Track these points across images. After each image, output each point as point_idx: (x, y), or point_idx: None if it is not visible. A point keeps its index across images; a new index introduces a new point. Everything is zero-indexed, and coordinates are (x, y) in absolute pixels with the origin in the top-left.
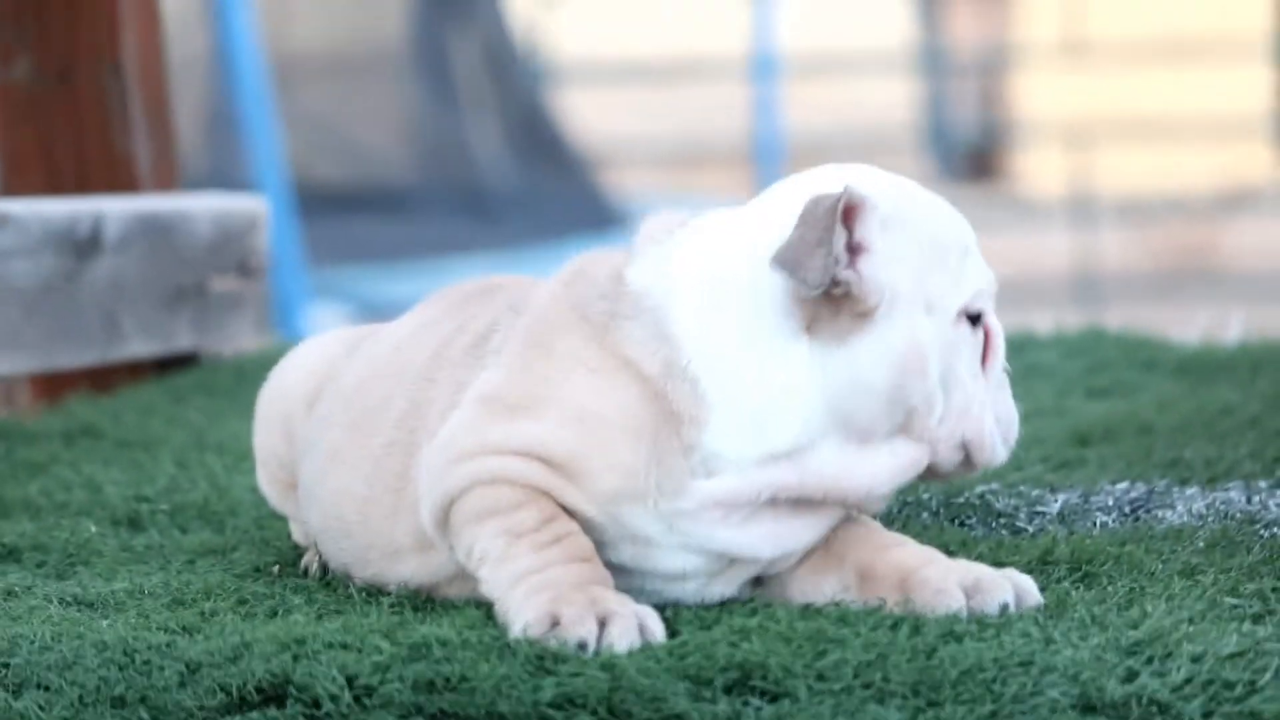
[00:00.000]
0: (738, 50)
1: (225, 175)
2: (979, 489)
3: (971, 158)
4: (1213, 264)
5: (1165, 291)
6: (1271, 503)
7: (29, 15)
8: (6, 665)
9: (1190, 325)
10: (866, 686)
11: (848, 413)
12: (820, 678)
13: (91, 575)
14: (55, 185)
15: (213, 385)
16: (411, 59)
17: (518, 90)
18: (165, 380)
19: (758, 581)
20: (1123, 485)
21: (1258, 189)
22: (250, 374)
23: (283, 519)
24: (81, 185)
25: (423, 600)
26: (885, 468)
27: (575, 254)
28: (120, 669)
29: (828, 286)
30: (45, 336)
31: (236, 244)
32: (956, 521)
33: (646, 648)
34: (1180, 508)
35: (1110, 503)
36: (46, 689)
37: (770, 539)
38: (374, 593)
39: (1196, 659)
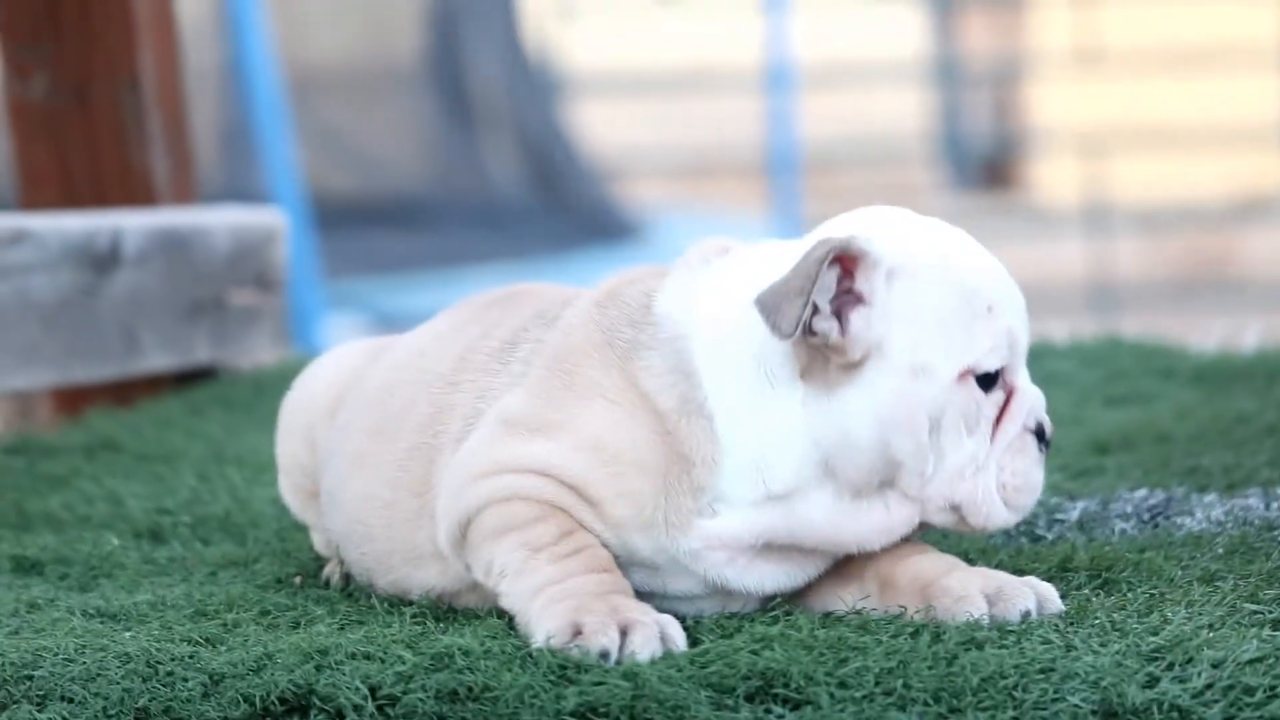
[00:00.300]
0: (751, 61)
1: (241, 188)
2: None
3: (986, 167)
4: (1228, 272)
5: (1181, 300)
6: None
7: (46, 33)
8: (30, 678)
9: (1207, 333)
10: (888, 694)
11: (836, 462)
12: (842, 685)
13: (114, 588)
14: (72, 201)
15: (231, 398)
16: (427, 71)
17: (532, 103)
18: (184, 393)
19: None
20: (1141, 492)
21: (1272, 197)
22: (268, 387)
23: (304, 531)
24: (99, 200)
25: (445, 610)
26: (877, 524)
27: (608, 270)
28: (144, 680)
29: (806, 335)
30: (64, 351)
31: (254, 257)
32: None
33: (668, 656)
34: (1199, 515)
35: (1129, 510)
36: (70, 701)
37: (770, 577)
38: (396, 603)
39: (1217, 665)
